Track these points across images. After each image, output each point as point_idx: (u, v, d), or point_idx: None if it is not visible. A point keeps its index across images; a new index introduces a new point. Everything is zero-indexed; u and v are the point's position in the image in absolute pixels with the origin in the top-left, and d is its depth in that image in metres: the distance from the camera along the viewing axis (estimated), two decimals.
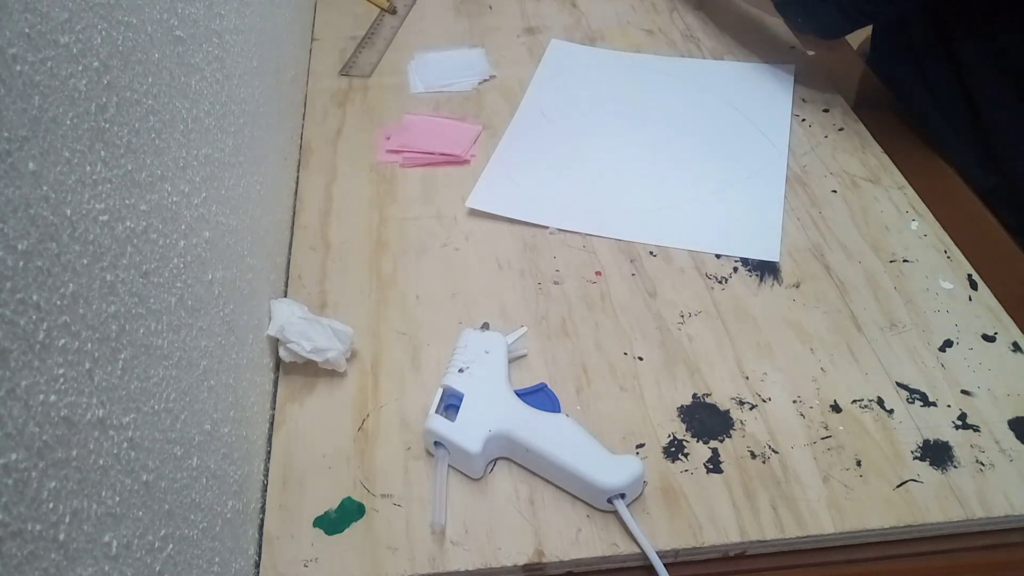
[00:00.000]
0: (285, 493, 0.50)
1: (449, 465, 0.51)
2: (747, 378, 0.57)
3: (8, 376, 0.25)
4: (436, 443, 0.51)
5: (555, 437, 0.50)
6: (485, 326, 0.57)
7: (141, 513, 0.34)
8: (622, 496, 0.48)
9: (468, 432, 0.50)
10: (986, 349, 0.59)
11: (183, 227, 0.42)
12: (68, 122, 0.30)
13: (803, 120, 0.80)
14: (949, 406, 0.55)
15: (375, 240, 0.67)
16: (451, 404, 0.52)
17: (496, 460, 0.52)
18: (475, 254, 0.66)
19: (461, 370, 0.53)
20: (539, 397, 0.54)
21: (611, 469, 0.49)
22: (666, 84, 0.84)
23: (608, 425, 0.54)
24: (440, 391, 0.53)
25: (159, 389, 0.37)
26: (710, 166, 0.74)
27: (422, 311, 0.61)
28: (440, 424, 0.51)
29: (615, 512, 0.48)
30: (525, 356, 0.58)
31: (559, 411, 0.53)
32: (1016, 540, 0.50)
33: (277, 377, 0.57)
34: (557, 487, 0.50)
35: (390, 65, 0.87)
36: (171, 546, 0.36)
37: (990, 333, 0.60)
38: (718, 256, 0.66)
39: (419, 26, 0.94)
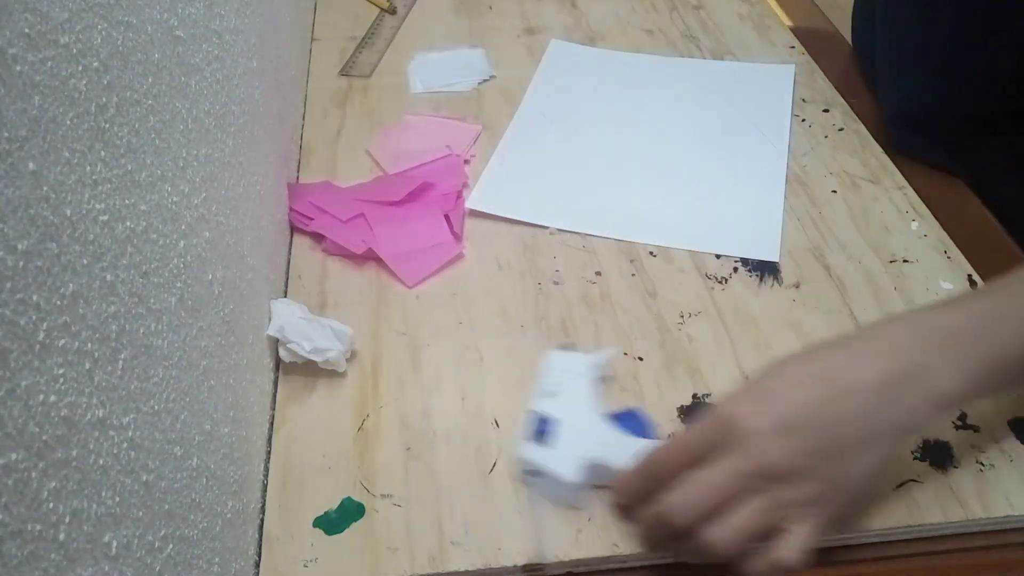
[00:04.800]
0: (285, 493, 0.50)
1: (543, 493, 0.49)
2: (747, 378, 0.56)
3: (8, 376, 0.25)
4: (528, 471, 0.50)
5: None
6: (569, 346, 0.57)
7: (141, 513, 0.34)
8: None
9: (564, 460, 0.48)
10: None
11: (183, 227, 0.42)
12: (68, 122, 0.30)
13: (803, 120, 0.80)
14: None
15: None
16: (541, 430, 0.50)
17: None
18: (475, 254, 0.66)
19: (550, 394, 0.52)
20: (631, 421, 0.51)
21: None
22: (666, 84, 0.84)
23: None
24: (530, 416, 0.51)
25: (159, 389, 0.37)
26: (710, 166, 0.74)
27: (422, 311, 0.61)
28: (534, 452, 0.49)
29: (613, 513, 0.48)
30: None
31: (652, 436, 0.51)
32: (1016, 540, 0.50)
33: (277, 377, 0.57)
34: None
35: (390, 65, 0.87)
36: (171, 546, 0.36)
37: None
38: (718, 256, 0.66)
39: (419, 26, 0.94)
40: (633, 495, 0.46)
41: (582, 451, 0.49)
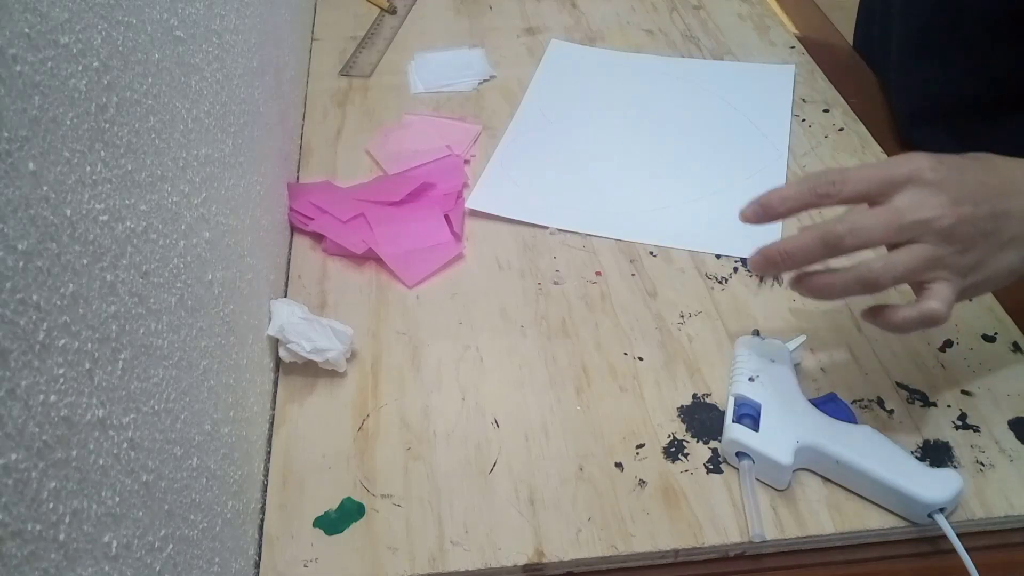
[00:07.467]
0: (285, 493, 0.50)
1: (754, 475, 0.49)
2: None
3: (8, 376, 0.25)
4: (738, 453, 0.50)
5: (866, 449, 0.49)
6: (756, 333, 0.57)
7: (141, 513, 0.34)
8: (941, 510, 0.47)
9: (775, 443, 0.49)
10: (986, 349, 0.58)
11: (183, 227, 0.42)
12: (68, 122, 0.30)
13: (803, 120, 0.80)
14: (949, 406, 0.55)
15: None
16: (745, 414, 0.51)
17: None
18: (475, 254, 0.66)
19: (751, 379, 0.52)
20: (833, 407, 0.52)
21: (931, 483, 0.47)
22: (666, 84, 0.84)
23: (608, 425, 0.54)
24: (732, 400, 0.52)
25: (159, 389, 0.37)
26: (710, 166, 0.74)
27: (422, 311, 0.61)
28: (744, 434, 0.49)
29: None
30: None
31: (855, 421, 0.51)
32: (1016, 540, 0.50)
33: (277, 377, 0.57)
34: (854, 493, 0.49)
35: (390, 65, 0.87)
36: (171, 546, 0.36)
37: (990, 333, 0.60)
38: (718, 256, 0.66)
39: (419, 26, 0.94)
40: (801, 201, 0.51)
41: (792, 434, 0.49)
